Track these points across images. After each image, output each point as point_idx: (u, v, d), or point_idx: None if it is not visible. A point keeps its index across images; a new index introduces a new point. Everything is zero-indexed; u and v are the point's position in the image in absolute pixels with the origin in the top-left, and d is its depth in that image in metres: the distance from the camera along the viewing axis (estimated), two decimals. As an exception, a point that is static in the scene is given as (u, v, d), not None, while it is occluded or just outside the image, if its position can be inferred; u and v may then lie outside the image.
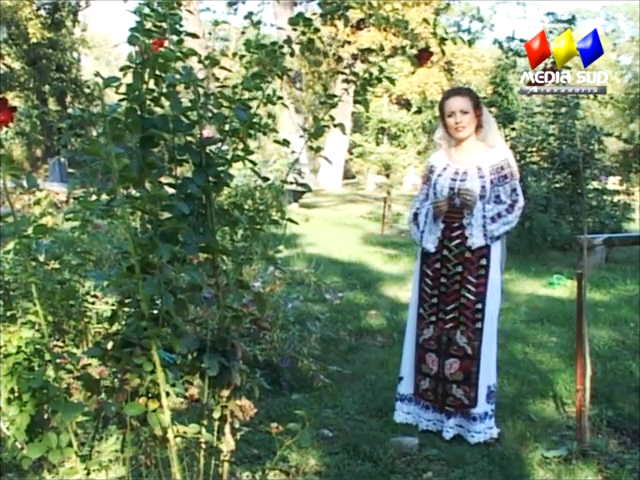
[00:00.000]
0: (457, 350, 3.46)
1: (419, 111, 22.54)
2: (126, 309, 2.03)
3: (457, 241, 3.44)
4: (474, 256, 3.43)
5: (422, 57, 2.22)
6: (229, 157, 2.09)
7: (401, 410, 3.63)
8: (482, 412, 3.46)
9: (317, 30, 2.14)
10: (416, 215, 3.59)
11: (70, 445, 1.96)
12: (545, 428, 3.62)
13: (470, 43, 2.98)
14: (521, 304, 6.49)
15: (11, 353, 1.96)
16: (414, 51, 2.23)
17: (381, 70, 2.19)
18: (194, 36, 2.16)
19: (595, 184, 10.15)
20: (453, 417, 3.49)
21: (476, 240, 3.41)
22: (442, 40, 2.38)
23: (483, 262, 3.44)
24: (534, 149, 10.18)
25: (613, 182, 10.89)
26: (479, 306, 3.44)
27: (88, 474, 2.01)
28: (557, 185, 9.92)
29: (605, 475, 3.11)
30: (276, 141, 2.22)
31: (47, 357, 2.01)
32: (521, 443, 3.43)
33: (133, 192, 1.92)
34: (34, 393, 1.96)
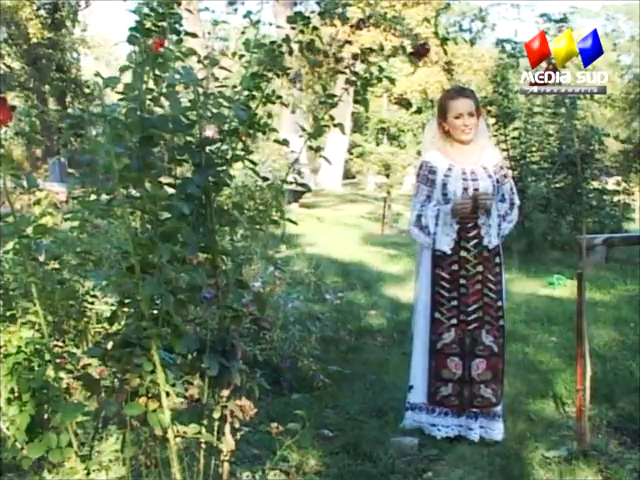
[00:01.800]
0: (483, 350, 3.47)
1: (419, 111, 22.49)
2: (126, 309, 2.03)
3: (475, 241, 3.45)
4: (491, 255, 3.48)
5: (419, 53, 2.22)
6: (229, 157, 2.09)
7: (412, 419, 3.56)
8: (500, 409, 3.52)
9: (316, 29, 2.14)
10: (419, 217, 3.53)
11: (70, 445, 1.96)
12: (545, 428, 3.61)
13: (472, 43, 2.98)
14: (521, 304, 6.47)
15: (11, 353, 1.96)
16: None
17: (381, 70, 2.19)
18: (193, 35, 2.16)
19: (595, 184, 10.15)
20: (479, 418, 3.48)
21: (493, 239, 3.47)
22: (444, 40, 2.38)
23: (497, 260, 3.50)
24: (534, 149, 10.17)
25: (613, 182, 10.88)
26: (500, 304, 3.50)
27: (88, 474, 2.01)
28: (557, 185, 9.90)
29: (605, 475, 3.11)
30: (276, 140, 2.22)
31: (47, 357, 2.01)
32: (521, 443, 3.42)
33: (133, 192, 1.92)
34: (34, 393, 1.96)
